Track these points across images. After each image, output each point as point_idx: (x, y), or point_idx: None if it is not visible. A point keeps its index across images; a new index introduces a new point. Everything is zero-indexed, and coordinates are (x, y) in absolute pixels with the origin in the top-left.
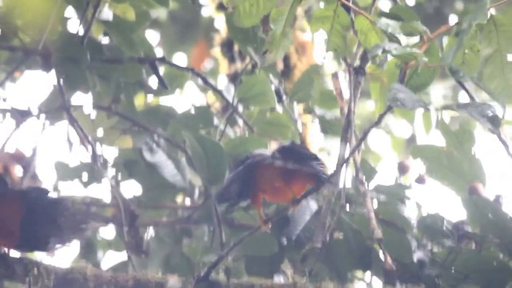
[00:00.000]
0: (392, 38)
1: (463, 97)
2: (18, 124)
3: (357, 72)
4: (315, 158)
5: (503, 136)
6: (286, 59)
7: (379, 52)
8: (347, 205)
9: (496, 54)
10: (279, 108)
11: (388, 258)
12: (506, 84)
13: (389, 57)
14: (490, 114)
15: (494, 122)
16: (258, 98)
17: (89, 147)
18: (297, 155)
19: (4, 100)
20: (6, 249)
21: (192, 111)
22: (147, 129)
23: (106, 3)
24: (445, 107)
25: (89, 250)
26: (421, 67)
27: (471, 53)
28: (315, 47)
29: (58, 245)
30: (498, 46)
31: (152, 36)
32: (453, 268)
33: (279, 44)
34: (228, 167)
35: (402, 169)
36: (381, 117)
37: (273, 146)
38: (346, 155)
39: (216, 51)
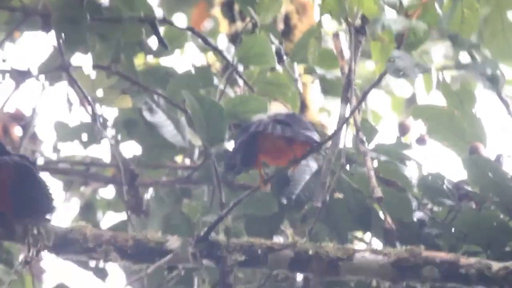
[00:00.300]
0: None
1: (464, 56)
2: (17, 85)
3: (357, 32)
4: (308, 127)
5: (504, 95)
6: (287, 19)
7: (379, 28)
8: (347, 164)
9: (495, 13)
10: (279, 68)
11: (388, 217)
12: (506, 44)
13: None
14: (490, 73)
15: (493, 81)
16: (258, 58)
17: (89, 108)
18: (294, 123)
19: (4, 60)
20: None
21: (192, 71)
22: (147, 89)
23: None
24: (445, 67)
25: (88, 210)
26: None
27: (470, 12)
28: (316, 7)
29: (49, 213)
30: (497, 3)
31: None
32: (453, 227)
33: (268, 8)
34: (228, 128)
35: (403, 129)
36: (381, 76)
37: (273, 106)
38: (347, 115)
39: (216, 11)
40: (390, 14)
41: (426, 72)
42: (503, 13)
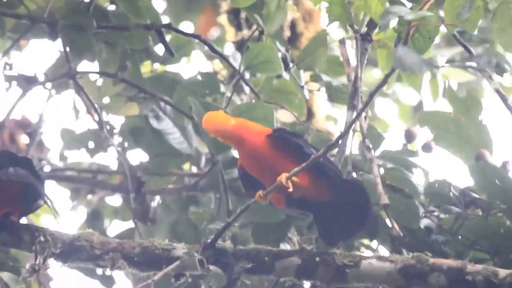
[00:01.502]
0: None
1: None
2: (24, 92)
3: (363, 39)
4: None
5: (510, 102)
6: (293, 26)
7: (391, 18)
8: (354, 172)
9: (503, 7)
10: (286, 76)
11: (395, 224)
12: None
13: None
14: (495, 62)
15: (499, 69)
16: (264, 65)
17: (95, 115)
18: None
19: (10, 67)
20: (13, 217)
21: (199, 78)
22: (154, 95)
23: None
24: (449, 62)
25: (95, 218)
26: (418, 32)
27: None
28: (322, 14)
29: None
30: None
31: (159, 4)
32: (460, 234)
33: (274, 17)
34: None
35: (409, 136)
36: (386, 77)
37: (279, 114)
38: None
39: (223, 18)
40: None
41: (433, 68)
42: (511, 7)
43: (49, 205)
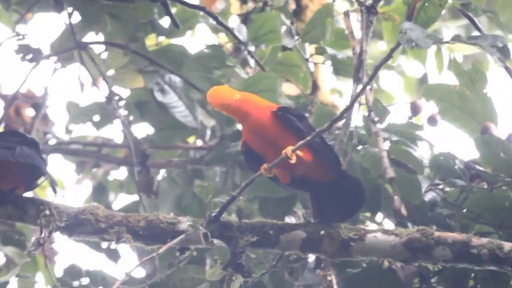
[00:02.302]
0: None
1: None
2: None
3: (368, 11)
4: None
5: None
6: None
7: None
8: (359, 145)
9: None
10: (290, 43)
11: (397, 198)
12: None
13: None
14: (500, 45)
15: (504, 53)
16: (269, 36)
17: (103, 87)
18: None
19: (23, 37)
20: (18, 191)
21: (206, 51)
22: (164, 68)
23: None
24: (455, 39)
25: (100, 192)
26: (428, 1)
27: None
28: None
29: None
30: None
31: None
32: (464, 207)
33: None
34: None
35: (415, 109)
36: (391, 51)
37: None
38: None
39: None
40: None
41: (438, 42)
42: None
43: (51, 184)
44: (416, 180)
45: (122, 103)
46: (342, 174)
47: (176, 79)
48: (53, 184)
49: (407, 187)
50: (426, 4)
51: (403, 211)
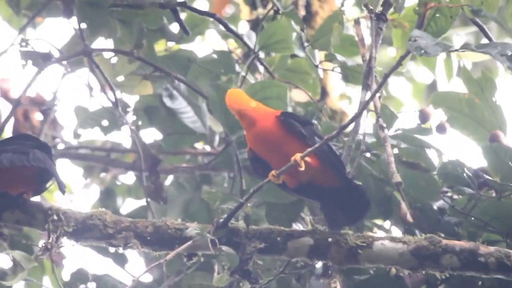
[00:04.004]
0: None
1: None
2: (39, 69)
3: (378, 19)
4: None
5: None
6: (308, 5)
7: None
8: (368, 152)
9: None
10: (301, 53)
11: (403, 205)
12: None
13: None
14: (510, 53)
15: None
16: (279, 45)
17: (110, 93)
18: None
19: (27, 44)
20: (26, 195)
21: (214, 56)
22: (169, 74)
23: None
24: (464, 47)
25: (108, 196)
26: (439, 12)
27: None
28: None
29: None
30: None
31: None
32: (472, 216)
33: None
34: None
35: (423, 117)
36: (401, 59)
37: (293, 94)
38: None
39: None
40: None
41: (447, 50)
42: None
43: (60, 186)
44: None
45: (129, 109)
46: (347, 181)
47: (181, 86)
48: (61, 186)
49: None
50: (437, 15)
51: (409, 218)
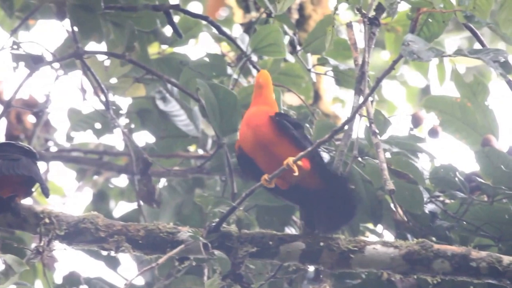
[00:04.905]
0: None
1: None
2: (31, 72)
3: (371, 23)
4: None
5: None
6: (301, 9)
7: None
8: (359, 157)
9: None
10: (291, 58)
11: (399, 209)
12: None
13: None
14: (502, 59)
15: (506, 68)
16: (271, 48)
17: (102, 96)
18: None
19: (18, 47)
20: (18, 199)
21: (206, 59)
22: (161, 77)
23: None
24: (457, 53)
25: (101, 199)
26: (432, 17)
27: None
28: None
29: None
30: None
31: None
32: (464, 220)
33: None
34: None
35: (416, 121)
36: (393, 63)
37: (286, 97)
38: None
39: (231, 0)
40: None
41: (440, 56)
42: None
43: (43, 190)
44: (418, 190)
45: (121, 112)
46: (334, 181)
47: (174, 89)
48: (45, 192)
49: (408, 198)
50: (430, 20)
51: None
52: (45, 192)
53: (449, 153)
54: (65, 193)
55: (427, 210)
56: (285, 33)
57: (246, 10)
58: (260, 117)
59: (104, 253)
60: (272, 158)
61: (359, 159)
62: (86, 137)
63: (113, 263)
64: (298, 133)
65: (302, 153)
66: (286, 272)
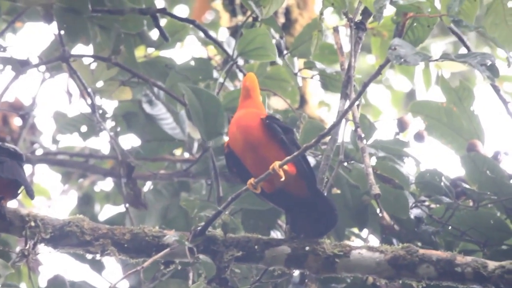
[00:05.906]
0: None
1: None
2: (17, 74)
3: (358, 28)
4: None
5: (502, 93)
6: (288, 13)
7: (386, 2)
8: (345, 162)
9: (497, 1)
10: (279, 61)
11: (385, 214)
12: (508, 32)
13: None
14: (489, 63)
15: (493, 71)
16: (258, 52)
17: (88, 99)
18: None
19: (5, 50)
20: (3, 202)
21: (192, 63)
22: (147, 80)
23: None
24: (444, 57)
25: (86, 203)
26: (417, 21)
27: (468, 2)
28: (317, 1)
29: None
30: None
31: None
32: (450, 225)
33: (270, 1)
34: (227, 121)
35: (402, 125)
36: (380, 68)
37: (272, 101)
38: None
39: (218, 3)
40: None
41: (427, 60)
42: (504, 2)
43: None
44: (403, 195)
45: (107, 115)
46: (318, 193)
47: (160, 92)
48: (30, 194)
49: (393, 203)
50: (415, 24)
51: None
52: (30, 194)
53: (435, 158)
54: (50, 196)
55: (412, 215)
56: (272, 36)
57: (233, 13)
58: (251, 118)
59: (89, 256)
60: (260, 159)
61: (345, 163)
62: (72, 140)
63: (98, 267)
64: (287, 138)
65: (288, 157)
66: (271, 277)
